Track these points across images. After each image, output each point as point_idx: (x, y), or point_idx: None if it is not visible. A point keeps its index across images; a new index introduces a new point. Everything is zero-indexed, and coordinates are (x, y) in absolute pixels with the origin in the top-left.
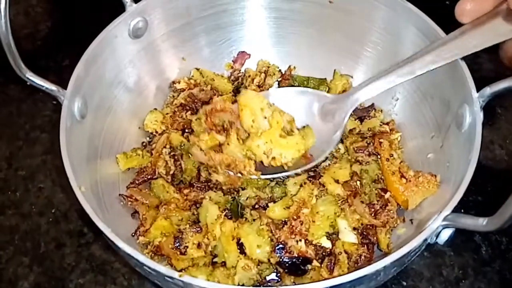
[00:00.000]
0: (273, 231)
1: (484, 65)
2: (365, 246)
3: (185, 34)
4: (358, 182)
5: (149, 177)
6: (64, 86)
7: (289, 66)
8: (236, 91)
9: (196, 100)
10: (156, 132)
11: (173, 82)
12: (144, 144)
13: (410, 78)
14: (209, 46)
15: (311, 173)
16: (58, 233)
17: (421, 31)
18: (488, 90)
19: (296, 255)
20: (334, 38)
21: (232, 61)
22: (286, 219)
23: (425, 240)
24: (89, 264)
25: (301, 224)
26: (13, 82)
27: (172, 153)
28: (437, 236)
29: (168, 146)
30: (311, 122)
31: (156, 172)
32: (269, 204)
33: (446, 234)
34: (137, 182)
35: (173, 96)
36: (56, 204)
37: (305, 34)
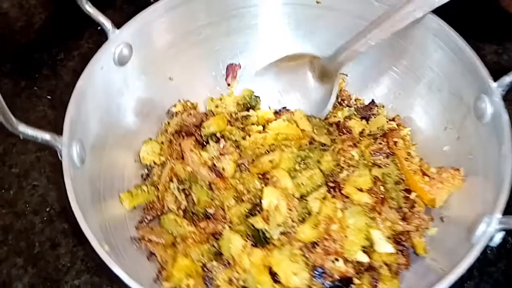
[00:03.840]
0: (307, 255)
1: (488, 57)
2: (400, 252)
3: (170, 52)
4: (382, 187)
5: (159, 213)
6: (60, 83)
7: None
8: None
9: (188, 125)
10: (155, 163)
11: (168, 111)
12: (144, 177)
13: (393, 31)
14: (197, 61)
15: (331, 184)
16: (53, 233)
17: (422, 23)
18: (507, 79)
19: (338, 277)
20: (325, 38)
21: (225, 78)
22: (317, 240)
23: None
24: (84, 265)
25: (334, 242)
26: (6, 76)
27: (181, 187)
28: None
29: (175, 180)
30: (310, 87)
31: (165, 207)
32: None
33: (498, 237)
34: (146, 220)
35: (168, 123)
36: (51, 202)
37: (294, 37)
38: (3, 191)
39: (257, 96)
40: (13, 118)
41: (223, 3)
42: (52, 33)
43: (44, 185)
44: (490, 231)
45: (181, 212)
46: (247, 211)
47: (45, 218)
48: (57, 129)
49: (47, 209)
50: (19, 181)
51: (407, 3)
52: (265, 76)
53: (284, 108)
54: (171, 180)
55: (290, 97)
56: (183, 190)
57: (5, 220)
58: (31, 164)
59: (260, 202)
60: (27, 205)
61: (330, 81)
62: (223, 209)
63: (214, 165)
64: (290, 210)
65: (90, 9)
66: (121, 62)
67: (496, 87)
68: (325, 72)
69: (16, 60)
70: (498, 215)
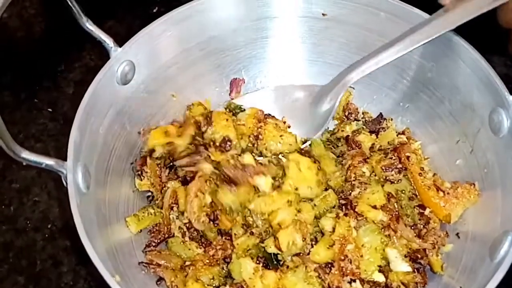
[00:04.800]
0: (322, 277)
1: (497, 69)
2: (416, 271)
3: (172, 68)
4: (396, 204)
5: (166, 236)
6: (60, 95)
7: None
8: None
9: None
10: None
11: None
12: (150, 198)
13: (399, 56)
14: (199, 76)
15: (342, 201)
16: (55, 250)
17: None
18: None
19: None
20: (331, 50)
21: (229, 93)
22: (332, 260)
23: None
24: (87, 284)
25: (350, 263)
26: (6, 88)
27: (181, 218)
28: None
29: (175, 209)
30: (305, 113)
31: (172, 231)
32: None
33: None
34: (153, 244)
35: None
36: (52, 218)
37: (300, 49)
38: (3, 207)
39: (243, 110)
40: (16, 145)
41: (226, 17)
42: (52, 43)
43: (46, 201)
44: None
45: (187, 238)
46: (255, 244)
47: (46, 235)
48: (59, 144)
49: (49, 226)
50: (19, 197)
51: (426, 24)
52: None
53: (269, 114)
54: (172, 208)
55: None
56: (185, 224)
57: (6, 237)
58: (32, 179)
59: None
60: (28, 222)
61: (326, 109)
62: (231, 238)
63: (214, 214)
64: (305, 238)
65: (90, 26)
66: (124, 81)
67: None
68: (321, 100)
69: (16, 72)
70: None
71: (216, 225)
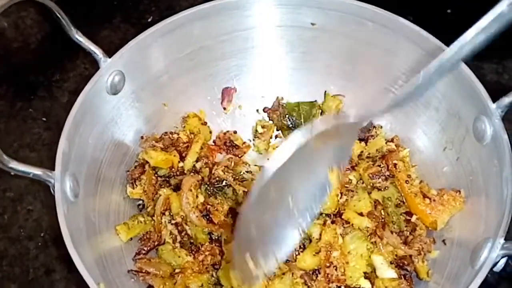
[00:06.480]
0: (308, 283)
1: (488, 76)
2: (402, 277)
3: (163, 78)
4: (382, 211)
5: (156, 243)
6: (55, 105)
7: (277, 98)
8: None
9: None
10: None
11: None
12: (140, 207)
13: None
14: (191, 86)
15: None
16: (48, 258)
17: (417, 44)
18: (507, 100)
19: None
20: (320, 58)
21: (220, 102)
22: (318, 267)
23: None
24: None
25: (336, 270)
26: (1, 98)
27: (173, 222)
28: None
29: (167, 213)
30: None
31: (162, 237)
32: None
33: (502, 261)
34: (143, 252)
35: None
36: (45, 227)
37: (289, 59)
38: None
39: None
40: (4, 155)
41: (215, 27)
42: (48, 53)
43: (39, 210)
44: (493, 256)
45: (177, 244)
46: None
47: (39, 244)
48: (52, 153)
49: (42, 234)
50: (13, 206)
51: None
52: None
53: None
54: (164, 213)
55: None
56: (176, 224)
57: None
58: (25, 187)
59: None
60: (21, 230)
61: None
62: (221, 244)
63: (206, 209)
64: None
65: (80, 38)
66: (114, 90)
67: (495, 108)
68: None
69: (11, 81)
70: (501, 240)
71: (209, 221)
